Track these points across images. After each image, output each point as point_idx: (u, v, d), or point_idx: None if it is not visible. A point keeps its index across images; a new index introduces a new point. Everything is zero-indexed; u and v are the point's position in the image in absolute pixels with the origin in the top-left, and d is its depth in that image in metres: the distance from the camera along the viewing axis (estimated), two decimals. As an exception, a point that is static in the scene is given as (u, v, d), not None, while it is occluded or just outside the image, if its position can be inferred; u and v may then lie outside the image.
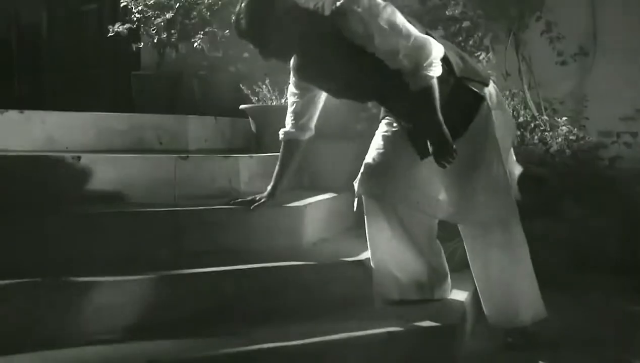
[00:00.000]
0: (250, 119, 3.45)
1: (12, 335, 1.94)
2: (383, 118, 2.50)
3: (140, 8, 4.01)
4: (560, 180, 3.44)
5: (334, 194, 3.05)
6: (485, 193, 2.31)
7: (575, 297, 3.12)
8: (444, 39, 3.84)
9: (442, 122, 2.14)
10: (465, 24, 3.85)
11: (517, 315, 2.40)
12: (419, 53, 2.15)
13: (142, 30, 4.09)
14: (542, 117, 3.84)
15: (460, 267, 2.64)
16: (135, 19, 4.04)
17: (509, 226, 2.34)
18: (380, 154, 2.40)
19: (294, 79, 2.48)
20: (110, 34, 4.09)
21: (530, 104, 3.94)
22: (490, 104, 2.34)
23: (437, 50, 2.18)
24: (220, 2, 3.86)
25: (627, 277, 3.32)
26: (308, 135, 2.57)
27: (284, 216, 2.66)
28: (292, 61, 2.41)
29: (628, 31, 4.04)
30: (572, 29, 4.00)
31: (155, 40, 4.08)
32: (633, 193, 3.58)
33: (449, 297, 2.55)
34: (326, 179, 3.23)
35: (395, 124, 2.43)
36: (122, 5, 4.08)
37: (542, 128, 3.73)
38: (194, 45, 3.85)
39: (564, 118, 3.85)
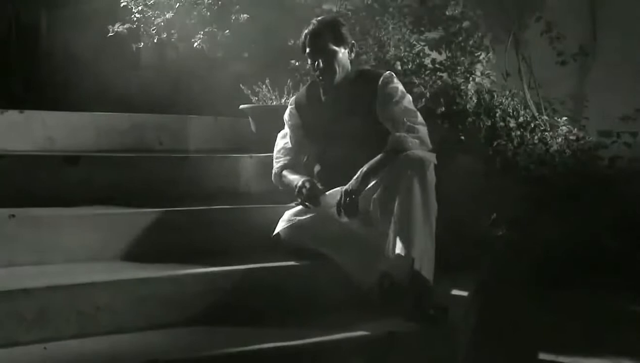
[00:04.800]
0: (250, 119, 3.45)
1: None
2: None
3: (140, 8, 4.01)
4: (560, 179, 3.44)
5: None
6: None
7: (575, 296, 3.13)
8: (444, 39, 3.88)
9: None
10: (465, 24, 3.86)
11: None
12: None
13: (142, 30, 4.09)
14: (542, 117, 3.85)
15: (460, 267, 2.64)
16: (135, 19, 4.04)
17: None
18: None
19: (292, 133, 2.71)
20: (110, 34, 4.09)
21: (530, 104, 3.94)
22: None
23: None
24: (220, 2, 3.86)
25: (626, 277, 3.32)
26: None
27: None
28: (291, 114, 2.68)
29: (627, 31, 4.05)
30: (572, 29, 4.01)
31: (155, 40, 4.08)
32: (632, 193, 3.58)
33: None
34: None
35: None
36: (122, 5, 4.08)
37: (542, 128, 3.73)
38: (194, 45, 3.85)
39: (564, 118, 3.85)
